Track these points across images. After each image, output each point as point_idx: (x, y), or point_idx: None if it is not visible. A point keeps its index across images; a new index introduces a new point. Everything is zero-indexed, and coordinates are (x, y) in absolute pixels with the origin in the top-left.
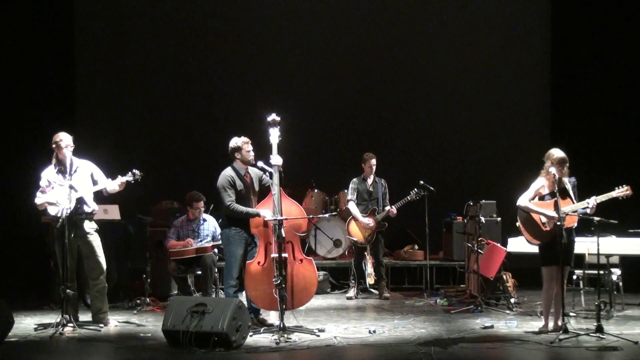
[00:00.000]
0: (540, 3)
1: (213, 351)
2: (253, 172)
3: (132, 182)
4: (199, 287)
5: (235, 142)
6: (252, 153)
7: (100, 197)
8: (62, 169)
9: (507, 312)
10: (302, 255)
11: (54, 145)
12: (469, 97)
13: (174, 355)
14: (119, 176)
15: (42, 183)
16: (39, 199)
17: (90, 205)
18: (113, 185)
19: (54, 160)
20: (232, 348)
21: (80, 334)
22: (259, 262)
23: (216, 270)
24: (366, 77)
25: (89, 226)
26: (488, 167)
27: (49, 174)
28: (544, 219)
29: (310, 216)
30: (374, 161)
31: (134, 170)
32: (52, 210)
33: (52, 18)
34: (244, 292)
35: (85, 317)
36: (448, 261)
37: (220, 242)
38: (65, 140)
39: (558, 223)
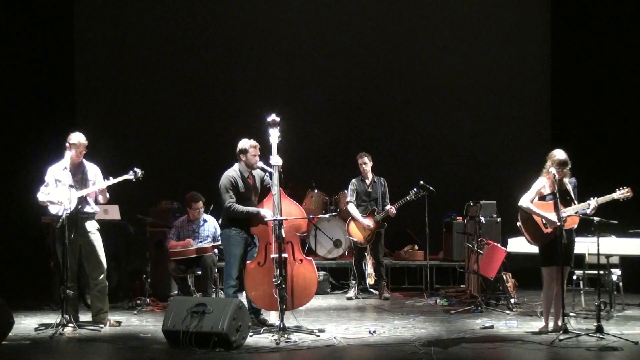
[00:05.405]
0: (540, 3)
1: (213, 351)
2: (256, 173)
3: (134, 180)
4: (199, 288)
5: (243, 144)
6: (257, 158)
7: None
8: (70, 169)
9: (507, 312)
10: (302, 256)
11: (67, 145)
12: (469, 97)
13: (174, 355)
14: (126, 174)
15: (47, 178)
16: (42, 194)
17: (92, 205)
18: (104, 192)
19: (64, 158)
20: (232, 348)
21: (81, 334)
22: (259, 263)
23: (216, 270)
24: (366, 78)
25: (92, 225)
26: (488, 167)
27: (55, 170)
28: (544, 220)
29: (310, 216)
30: (365, 159)
31: (135, 169)
32: (52, 209)
33: (52, 18)
34: (244, 293)
35: (85, 317)
36: (448, 261)
37: (220, 242)
38: (77, 142)
39: (558, 223)
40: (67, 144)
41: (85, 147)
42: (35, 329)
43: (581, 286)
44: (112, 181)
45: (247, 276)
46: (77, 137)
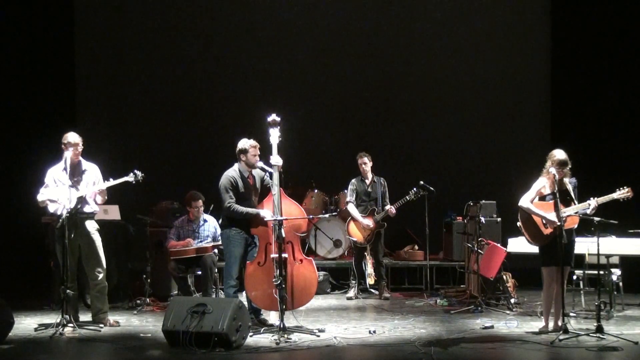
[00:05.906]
0: (540, 3)
1: (213, 351)
2: (256, 173)
3: (133, 182)
4: (199, 287)
5: (243, 144)
6: (257, 158)
7: None
8: (69, 169)
9: (507, 312)
10: (302, 256)
11: (62, 145)
12: (469, 98)
13: (174, 356)
14: (126, 175)
15: (47, 180)
16: (41, 195)
17: (92, 205)
18: (103, 193)
19: (63, 159)
20: (232, 348)
21: (80, 334)
22: (259, 263)
23: (216, 270)
24: (366, 78)
25: (91, 225)
26: (488, 167)
27: (54, 171)
28: (544, 220)
29: (310, 216)
30: (364, 160)
31: (135, 171)
32: (51, 208)
33: (52, 18)
34: (244, 292)
35: (85, 317)
36: (448, 261)
37: (220, 242)
38: (72, 140)
39: (558, 224)
40: (63, 145)
41: (81, 145)
42: (35, 329)
43: (581, 286)
44: (112, 182)
45: (247, 276)
46: (72, 136)
